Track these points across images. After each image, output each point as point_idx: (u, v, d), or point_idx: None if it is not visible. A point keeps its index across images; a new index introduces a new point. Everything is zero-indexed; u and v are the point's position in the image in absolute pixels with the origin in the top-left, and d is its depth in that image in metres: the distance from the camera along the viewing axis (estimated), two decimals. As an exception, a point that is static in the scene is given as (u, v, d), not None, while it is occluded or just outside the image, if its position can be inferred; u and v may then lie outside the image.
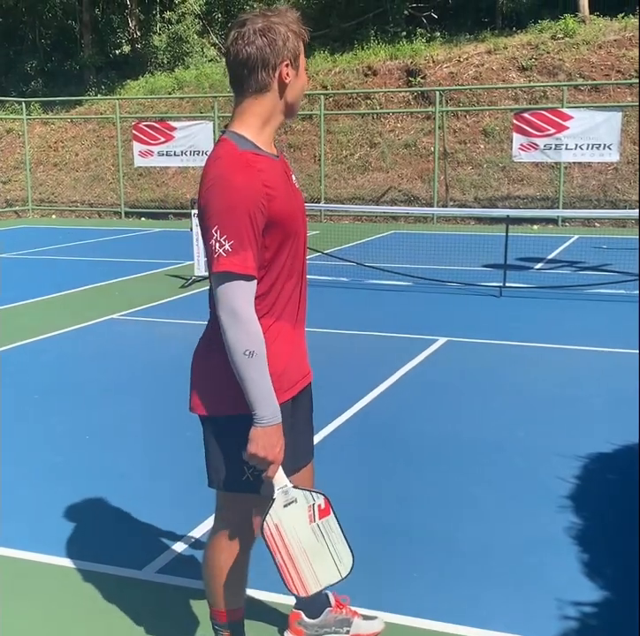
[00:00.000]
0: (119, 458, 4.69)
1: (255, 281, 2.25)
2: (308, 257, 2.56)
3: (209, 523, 3.64)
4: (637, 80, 17.88)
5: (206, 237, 2.24)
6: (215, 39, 27.74)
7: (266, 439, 2.25)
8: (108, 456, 4.72)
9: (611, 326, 7.85)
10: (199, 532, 3.71)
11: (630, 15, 20.18)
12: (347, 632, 2.91)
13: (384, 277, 10.29)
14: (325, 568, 2.37)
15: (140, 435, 5.07)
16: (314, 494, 2.39)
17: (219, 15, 27.71)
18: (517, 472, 4.44)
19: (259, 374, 2.23)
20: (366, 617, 2.96)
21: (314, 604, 2.88)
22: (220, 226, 2.19)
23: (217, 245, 2.19)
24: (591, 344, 7.14)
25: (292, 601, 2.93)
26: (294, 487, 2.37)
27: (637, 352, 6.82)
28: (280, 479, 2.34)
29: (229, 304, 2.21)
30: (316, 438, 4.91)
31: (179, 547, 3.61)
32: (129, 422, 5.31)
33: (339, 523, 2.41)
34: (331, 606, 2.91)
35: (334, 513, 2.41)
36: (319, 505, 2.39)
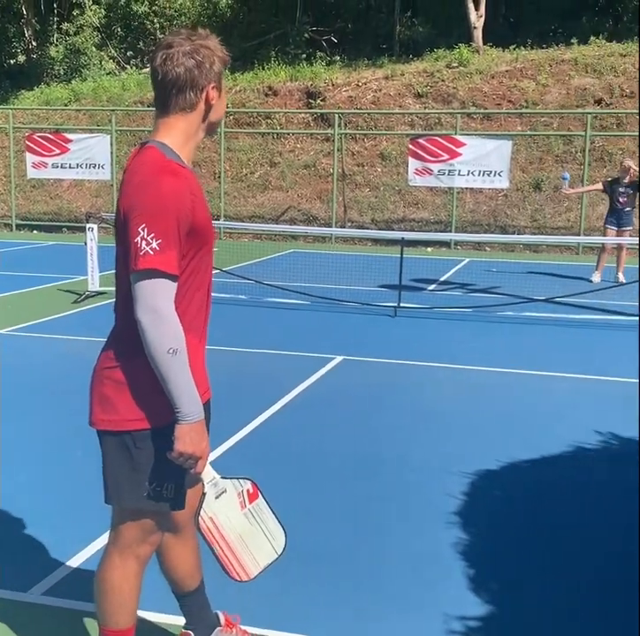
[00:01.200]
0: (6, 477, 4.54)
1: (176, 283, 2.29)
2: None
3: (100, 541, 3.58)
4: (527, 110, 18.63)
5: (130, 235, 2.25)
6: (114, 52, 27.38)
7: (193, 435, 2.28)
8: (-7, 476, 4.57)
9: (500, 346, 8.11)
10: (89, 551, 3.62)
11: (521, 47, 21.01)
12: (237, 651, 2.91)
13: (282, 296, 10.34)
14: (262, 549, 2.49)
15: (28, 453, 4.93)
16: (241, 480, 2.49)
17: (118, 29, 27.40)
18: (408, 488, 4.53)
19: (183, 371, 2.26)
20: (256, 636, 2.97)
21: (204, 623, 2.87)
22: (148, 225, 2.22)
23: (144, 243, 2.22)
24: (481, 363, 7.36)
25: (182, 620, 2.90)
26: (223, 477, 2.45)
27: (533, 372, 7.09)
28: (208, 472, 2.41)
29: (151, 302, 2.22)
30: (213, 455, 4.88)
31: (69, 567, 3.52)
32: (17, 439, 5.15)
33: (267, 503, 2.52)
34: (220, 625, 2.90)
35: (262, 495, 2.52)
36: (248, 490, 2.49)
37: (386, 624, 3.16)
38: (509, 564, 3.69)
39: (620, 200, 11.99)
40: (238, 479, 2.49)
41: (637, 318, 9.22)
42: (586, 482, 4.69)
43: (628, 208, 12.03)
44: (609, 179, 12.71)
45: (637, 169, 12.01)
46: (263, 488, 4.50)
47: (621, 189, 11.97)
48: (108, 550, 2.54)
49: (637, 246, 15.64)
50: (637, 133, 17.53)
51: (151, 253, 2.22)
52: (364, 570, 3.59)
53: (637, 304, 9.99)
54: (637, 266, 11.29)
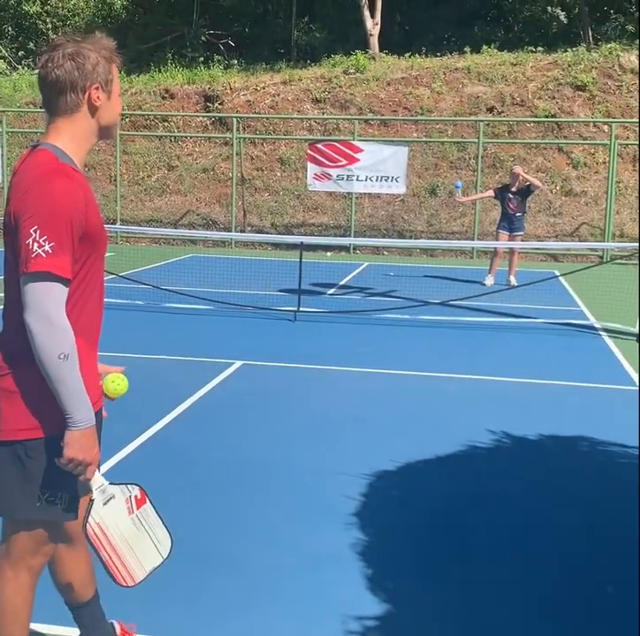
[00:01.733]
0: None
1: (68, 288, 2.25)
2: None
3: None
4: (422, 117, 19.02)
5: (21, 237, 2.21)
6: (5, 52, 26.58)
7: (84, 441, 2.26)
8: None
9: (396, 348, 8.26)
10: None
11: (416, 55, 21.46)
12: (134, 661, 2.88)
13: (181, 301, 10.25)
14: (148, 554, 2.48)
15: None
16: (129, 486, 2.48)
17: (9, 28, 26.61)
18: (305, 491, 4.56)
19: (74, 376, 2.24)
20: (153, 645, 2.95)
21: (99, 633, 2.82)
22: (40, 227, 2.18)
23: (36, 245, 2.17)
24: (379, 366, 7.48)
25: (76, 632, 2.85)
26: (111, 483, 2.43)
27: (428, 374, 7.25)
28: (97, 478, 2.39)
29: (42, 306, 2.18)
30: (107, 465, 4.83)
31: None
32: None
33: (155, 509, 2.52)
34: (116, 635, 2.87)
35: (150, 500, 2.51)
36: (135, 496, 2.48)
37: (283, 628, 3.18)
38: (406, 564, 3.76)
39: (511, 205, 12.39)
40: (126, 485, 2.48)
41: (527, 320, 9.57)
42: (480, 479, 4.83)
43: (518, 213, 12.44)
44: (499, 186, 13.13)
45: (526, 176, 12.44)
46: (158, 495, 4.46)
47: (511, 195, 12.37)
48: (1, 563, 2.48)
49: (527, 250, 16.22)
50: (531, 141, 18.15)
51: (43, 255, 2.18)
52: (259, 574, 3.60)
53: (529, 306, 10.36)
54: (540, 270, 11.67)
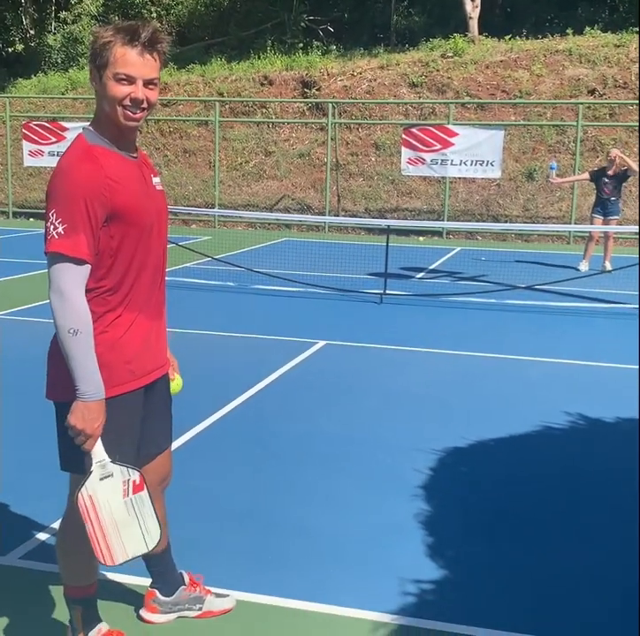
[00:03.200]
0: (-10, 453, 4.72)
1: (87, 266, 2.40)
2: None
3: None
4: (521, 100, 18.74)
5: (45, 220, 2.41)
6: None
7: (87, 413, 2.40)
8: (-21, 451, 4.75)
9: (480, 332, 8.28)
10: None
11: (516, 37, 21.11)
12: (200, 608, 3.08)
13: (271, 283, 10.51)
14: (133, 540, 2.52)
15: (13, 430, 5.11)
16: (130, 470, 2.53)
17: (116, 17, 27.41)
18: (377, 465, 4.71)
19: (82, 352, 2.38)
20: (218, 595, 3.14)
21: (169, 583, 3.05)
22: (57, 210, 2.36)
23: (52, 227, 2.36)
24: (461, 348, 7.53)
25: (147, 580, 3.08)
26: (112, 462, 2.49)
27: (509, 357, 7.27)
28: (99, 452, 2.47)
29: (57, 284, 2.37)
30: (191, 433, 5.09)
31: (43, 535, 3.71)
32: (3, 418, 5.33)
33: (151, 499, 2.57)
34: (185, 584, 3.08)
35: (148, 490, 2.56)
36: (134, 481, 2.53)
37: (344, 586, 3.34)
38: (468, 535, 3.86)
39: (606, 189, 12.13)
40: (128, 467, 2.52)
41: (618, 305, 9.39)
42: (552, 460, 4.87)
43: (613, 198, 12.17)
44: (596, 169, 12.85)
45: (624, 157, 12.14)
46: (243, 463, 4.72)
47: (606, 179, 12.11)
48: (66, 513, 2.70)
49: (624, 235, 15.83)
50: (633, 124, 17.66)
51: (56, 237, 2.35)
52: (326, 539, 3.77)
53: (621, 292, 10.16)
54: (637, 255, 11.44)
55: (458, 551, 3.69)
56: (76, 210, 2.35)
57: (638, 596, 3.32)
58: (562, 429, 5.39)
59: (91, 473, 2.46)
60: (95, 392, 2.41)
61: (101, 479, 2.47)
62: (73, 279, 2.37)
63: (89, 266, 2.41)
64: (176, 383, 2.90)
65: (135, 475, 2.53)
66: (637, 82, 18.51)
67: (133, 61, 2.40)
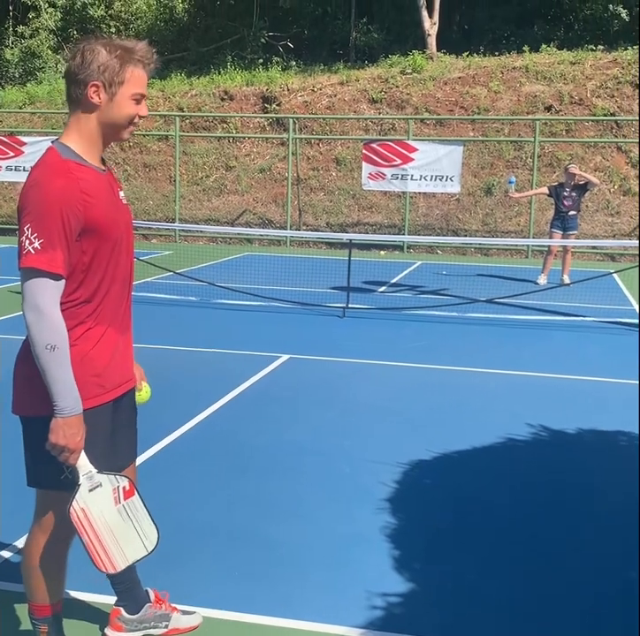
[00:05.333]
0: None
1: (63, 281, 2.39)
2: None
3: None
4: (479, 116, 18.98)
5: (18, 234, 2.38)
6: (70, 55, 27.28)
7: (67, 429, 2.39)
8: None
9: (441, 345, 8.34)
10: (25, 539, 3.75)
11: (474, 54, 21.41)
12: (166, 626, 3.05)
13: (233, 298, 10.49)
14: (132, 545, 2.54)
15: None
16: (118, 477, 2.54)
17: (74, 32, 27.30)
18: (341, 477, 4.71)
19: (60, 367, 2.36)
20: (185, 612, 3.12)
21: (134, 600, 3.01)
22: (32, 225, 2.33)
23: (27, 242, 2.33)
24: (422, 361, 7.58)
25: (112, 598, 3.04)
26: (99, 472, 2.51)
27: (471, 369, 7.33)
28: (84, 465, 2.47)
29: (33, 299, 2.34)
30: (155, 448, 5.05)
31: (7, 553, 3.65)
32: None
33: (143, 503, 2.58)
34: (150, 602, 3.05)
35: (139, 494, 2.58)
36: (123, 487, 2.54)
37: (310, 600, 3.33)
38: (434, 547, 3.88)
39: (565, 203, 12.31)
40: (115, 475, 2.55)
41: (577, 318, 9.54)
42: (515, 471, 4.91)
43: (572, 212, 12.35)
44: (554, 184, 13.05)
45: (582, 174, 12.35)
46: (207, 477, 4.68)
47: (565, 193, 12.30)
48: (32, 530, 2.67)
49: (582, 249, 16.09)
50: (589, 140, 17.97)
51: (32, 252, 2.32)
52: (291, 551, 3.76)
53: (579, 305, 10.32)
54: (594, 269, 11.61)
55: (424, 564, 3.70)
56: (52, 225, 2.33)
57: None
58: (525, 441, 5.44)
59: (79, 485, 2.46)
60: (74, 406, 2.40)
61: (90, 490, 2.47)
62: (50, 294, 2.35)
63: (64, 280, 2.40)
64: (145, 392, 2.89)
65: (124, 482, 2.54)
66: (592, 99, 18.85)
67: (144, 81, 2.50)
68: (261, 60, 23.74)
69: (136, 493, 2.57)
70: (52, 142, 2.51)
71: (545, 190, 12.93)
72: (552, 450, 5.31)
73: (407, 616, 3.27)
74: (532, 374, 7.22)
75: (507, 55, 21.26)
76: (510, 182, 12.46)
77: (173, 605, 3.11)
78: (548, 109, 19.07)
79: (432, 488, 4.63)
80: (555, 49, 21.14)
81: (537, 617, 3.27)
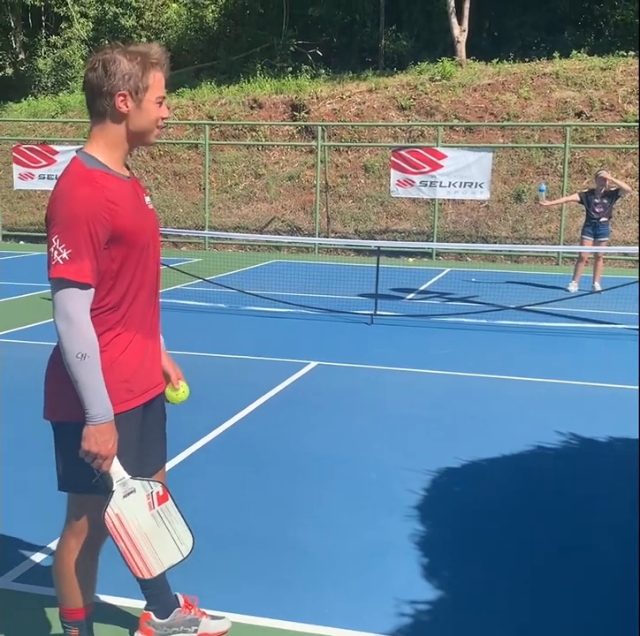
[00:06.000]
0: (-18, 476, 4.70)
1: (92, 289, 2.42)
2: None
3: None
4: (509, 122, 18.91)
5: (47, 245, 2.41)
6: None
7: (99, 436, 2.41)
8: (-30, 474, 4.72)
9: (470, 352, 8.30)
10: (56, 543, 3.79)
11: (504, 61, 21.35)
12: (195, 631, 3.07)
13: (262, 304, 10.52)
14: (167, 550, 2.57)
15: (6, 452, 5.08)
16: (151, 482, 2.57)
17: (106, 42, 27.56)
18: (369, 484, 4.70)
19: (91, 375, 2.39)
20: (214, 617, 3.13)
21: (163, 605, 3.03)
22: (60, 235, 2.36)
23: (56, 252, 2.37)
24: (450, 368, 7.55)
25: (142, 603, 3.06)
26: (132, 477, 2.53)
27: (500, 377, 7.29)
28: (118, 471, 2.50)
29: (63, 309, 2.37)
30: (183, 455, 5.08)
31: (38, 557, 3.69)
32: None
33: (177, 507, 2.60)
34: (180, 606, 3.06)
35: (172, 499, 2.60)
36: (157, 493, 2.57)
37: (338, 606, 3.33)
38: (463, 555, 3.86)
39: (596, 210, 12.22)
40: (148, 481, 2.58)
41: (608, 325, 9.45)
42: (545, 480, 4.87)
43: (603, 219, 12.26)
44: (585, 191, 12.95)
45: (613, 180, 12.25)
46: (235, 483, 4.70)
47: (596, 200, 12.20)
48: (64, 534, 2.69)
49: (613, 256, 15.94)
50: (620, 146, 17.82)
51: (61, 262, 2.35)
52: (320, 558, 3.76)
53: (610, 312, 10.22)
54: (626, 276, 11.50)
55: (454, 572, 3.68)
56: (79, 234, 2.36)
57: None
58: (555, 449, 5.40)
59: (113, 492, 2.48)
60: (106, 414, 2.43)
61: (124, 496, 2.50)
62: (79, 304, 2.38)
63: (93, 289, 2.42)
64: (182, 392, 2.89)
65: (157, 487, 2.57)
66: (623, 105, 18.71)
67: (163, 83, 2.55)
68: (290, 68, 23.84)
69: (170, 498, 2.60)
70: (76, 152, 2.54)
71: (576, 197, 12.83)
72: (583, 460, 5.27)
73: (435, 623, 3.26)
74: (562, 382, 7.17)
75: (537, 61, 21.18)
76: (540, 190, 12.38)
77: (202, 610, 3.12)
78: (579, 115, 18.95)
79: (461, 495, 4.61)
80: (586, 55, 21.03)
81: (570, 629, 3.24)
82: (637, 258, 16.17)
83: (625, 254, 15.84)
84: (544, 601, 3.43)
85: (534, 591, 3.52)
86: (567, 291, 12.43)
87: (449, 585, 3.57)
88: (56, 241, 2.37)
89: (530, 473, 4.99)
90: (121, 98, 2.46)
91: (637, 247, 10.57)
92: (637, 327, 9.09)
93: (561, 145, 17.61)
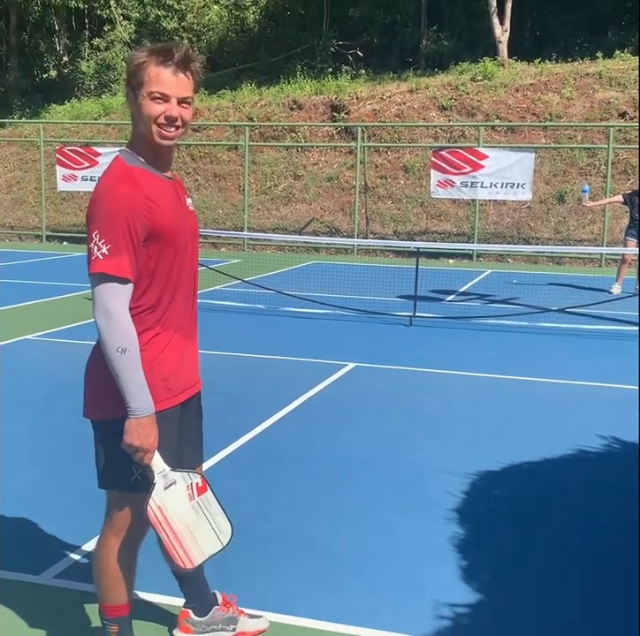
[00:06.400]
0: (26, 471, 4.76)
1: (131, 285, 2.44)
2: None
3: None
4: (551, 123, 18.72)
5: (87, 241, 2.44)
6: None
7: (140, 429, 2.43)
8: (15, 468, 4.79)
9: (511, 355, 8.22)
10: (96, 540, 3.82)
11: (546, 61, 21.14)
12: (233, 629, 3.07)
13: (300, 306, 10.53)
14: (208, 540, 2.60)
15: (48, 450, 5.15)
16: (191, 474, 2.60)
17: (148, 44, 27.76)
18: (406, 487, 4.67)
19: (131, 369, 2.41)
20: (251, 616, 3.13)
21: (202, 602, 3.04)
22: (100, 231, 2.39)
23: (96, 248, 2.39)
24: (491, 371, 7.49)
25: (181, 600, 3.08)
26: (172, 469, 2.56)
27: (541, 380, 7.22)
28: (158, 464, 2.52)
29: (103, 304, 2.39)
30: (221, 455, 5.09)
31: (78, 554, 3.72)
32: (37, 437, 5.38)
33: (216, 497, 2.64)
34: (218, 604, 3.07)
35: (211, 489, 2.64)
36: (197, 483, 2.60)
37: (377, 609, 3.31)
38: (503, 558, 3.82)
39: (640, 211, 12.03)
40: (188, 472, 2.61)
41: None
42: (585, 483, 4.80)
43: (647, 220, 12.06)
44: (628, 192, 12.76)
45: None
46: (273, 484, 4.70)
47: (640, 201, 12.02)
48: (104, 531, 2.71)
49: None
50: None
51: (101, 257, 2.38)
52: (359, 559, 3.74)
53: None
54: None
55: (493, 575, 3.64)
56: (119, 230, 2.38)
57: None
58: (597, 453, 5.32)
59: (155, 484, 2.51)
60: (147, 407, 2.45)
61: (165, 488, 2.53)
62: (119, 298, 2.40)
63: (132, 285, 2.44)
64: None
65: (197, 478, 2.61)
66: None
67: (166, 79, 2.44)
68: (330, 69, 23.86)
69: (209, 488, 2.63)
70: (119, 151, 2.57)
71: (620, 198, 12.65)
72: (625, 464, 5.18)
73: (475, 627, 3.23)
74: (604, 385, 7.07)
75: (580, 61, 20.95)
76: (584, 191, 12.23)
77: (240, 608, 3.12)
78: (622, 115, 18.70)
79: (501, 499, 4.56)
80: (629, 55, 20.74)
81: (609, 627, 3.19)
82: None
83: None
84: (587, 607, 3.38)
85: (575, 597, 3.46)
86: (610, 293, 12.25)
87: (488, 588, 3.53)
88: (95, 237, 2.40)
89: (572, 476, 4.92)
90: (129, 94, 2.50)
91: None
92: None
93: (605, 145, 17.39)
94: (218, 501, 2.64)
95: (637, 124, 18.11)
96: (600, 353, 8.34)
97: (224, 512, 2.64)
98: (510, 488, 4.72)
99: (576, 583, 3.58)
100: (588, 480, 4.86)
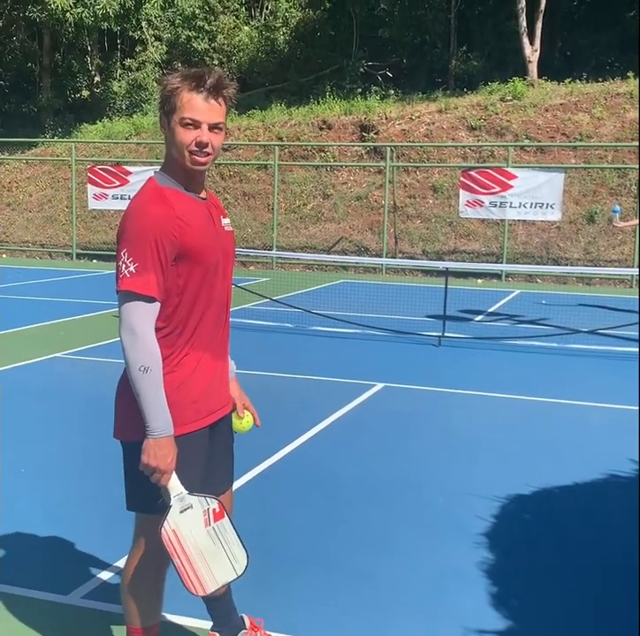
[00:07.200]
0: (55, 490, 4.78)
1: (158, 303, 2.45)
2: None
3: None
4: (581, 143, 18.63)
5: (116, 259, 2.46)
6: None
7: (158, 450, 2.42)
8: (45, 487, 4.81)
9: (541, 376, 8.15)
10: (124, 561, 3.82)
11: (576, 80, 21.07)
12: (260, 653, 3.05)
13: (329, 325, 10.52)
14: (222, 568, 2.55)
15: (77, 468, 5.17)
16: (208, 499, 2.56)
17: (179, 64, 28.16)
18: (436, 509, 4.63)
19: (152, 389, 2.41)
20: (279, 640, 3.11)
21: (229, 626, 3.02)
22: (128, 249, 2.41)
23: (124, 266, 2.41)
24: (521, 392, 7.42)
25: (208, 623, 3.06)
26: (189, 493, 2.53)
27: (572, 402, 7.14)
28: (175, 486, 2.50)
29: (128, 321, 2.41)
30: (249, 475, 5.08)
31: (106, 574, 3.72)
32: (67, 456, 5.40)
33: (233, 525, 2.59)
34: (245, 628, 3.05)
35: (228, 516, 2.59)
36: (214, 509, 2.55)
37: (403, 632, 3.27)
38: (533, 585, 3.76)
39: (671, 232, 11.92)
40: (205, 497, 2.56)
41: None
42: (616, 509, 4.73)
43: (679, 241, 11.95)
44: (660, 212, 12.65)
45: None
46: (301, 505, 4.68)
47: (672, 222, 11.91)
48: (132, 553, 2.71)
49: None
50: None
51: (128, 276, 2.40)
52: (388, 583, 3.71)
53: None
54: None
55: (523, 601, 3.59)
56: (147, 249, 2.40)
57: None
58: (628, 478, 5.25)
59: (171, 507, 2.49)
60: (166, 428, 2.44)
61: (181, 511, 2.50)
62: (144, 317, 2.42)
63: (159, 304, 2.45)
64: (246, 421, 2.89)
65: (214, 504, 2.56)
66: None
67: (198, 106, 2.46)
68: (359, 89, 23.96)
69: (226, 515, 2.58)
70: (153, 172, 2.61)
71: (651, 218, 12.55)
72: (659, 489, 5.10)
73: (504, 656, 3.18)
74: (636, 408, 6.97)
75: (611, 81, 20.83)
76: (614, 211, 12.13)
77: (268, 632, 3.10)
78: (654, 135, 18.56)
79: (531, 523, 4.50)
80: (661, 75, 20.62)
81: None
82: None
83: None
84: (617, 633, 3.31)
85: (605, 626, 3.40)
86: (642, 314, 12.12)
87: (518, 615, 3.48)
88: (124, 255, 2.42)
89: (603, 501, 4.85)
90: (163, 119, 2.52)
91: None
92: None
93: (635, 166, 17.25)
94: (235, 529, 2.59)
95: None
96: (631, 376, 8.23)
97: (241, 541, 2.59)
98: (541, 512, 4.66)
99: (609, 612, 3.52)
100: (620, 506, 4.78)
